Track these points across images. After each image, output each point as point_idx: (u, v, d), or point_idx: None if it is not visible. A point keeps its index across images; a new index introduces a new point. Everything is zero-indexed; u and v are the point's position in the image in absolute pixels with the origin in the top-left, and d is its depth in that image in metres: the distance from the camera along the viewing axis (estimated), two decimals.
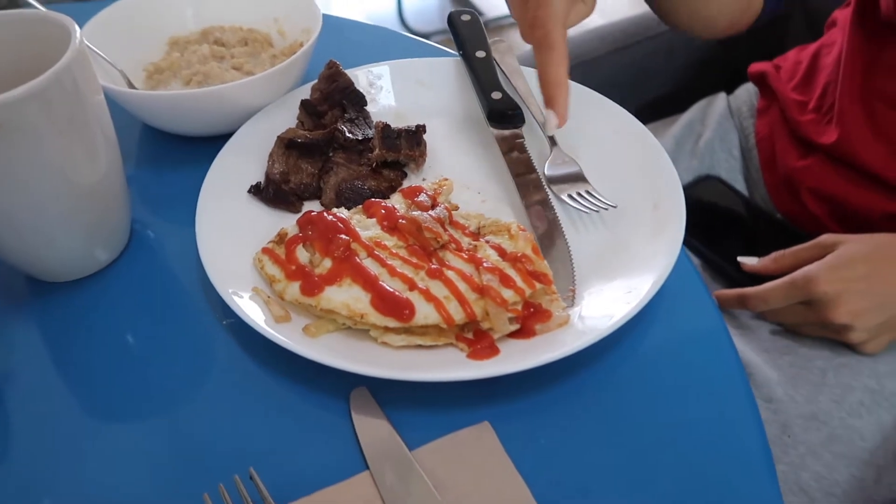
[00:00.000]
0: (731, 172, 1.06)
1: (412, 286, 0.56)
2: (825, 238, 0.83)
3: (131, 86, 0.78)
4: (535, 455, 0.50)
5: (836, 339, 0.80)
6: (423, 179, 0.71)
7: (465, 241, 0.60)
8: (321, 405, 0.54)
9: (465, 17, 0.81)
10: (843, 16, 0.97)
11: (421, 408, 0.53)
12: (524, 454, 0.50)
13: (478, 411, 0.53)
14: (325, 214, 0.61)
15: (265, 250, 0.61)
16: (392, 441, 0.51)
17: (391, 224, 0.61)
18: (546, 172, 0.68)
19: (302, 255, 0.59)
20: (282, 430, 0.53)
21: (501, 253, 0.58)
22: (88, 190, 0.59)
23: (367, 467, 0.50)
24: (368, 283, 0.56)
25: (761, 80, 1.06)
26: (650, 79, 1.27)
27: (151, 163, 0.77)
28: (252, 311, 0.56)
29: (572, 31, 0.66)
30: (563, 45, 0.62)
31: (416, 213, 0.61)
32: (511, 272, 0.56)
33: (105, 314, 0.62)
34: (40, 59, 0.54)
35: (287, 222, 0.64)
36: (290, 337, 0.54)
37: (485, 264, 0.57)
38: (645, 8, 0.93)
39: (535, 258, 0.58)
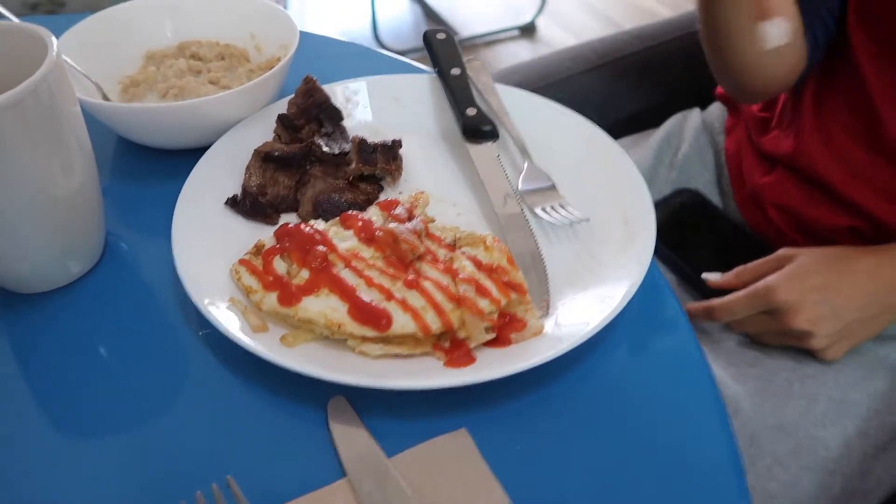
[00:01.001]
0: (708, 185, 1.08)
1: (389, 296, 0.57)
2: (783, 251, 0.86)
3: (106, 99, 0.78)
4: (512, 461, 0.51)
5: (798, 346, 0.83)
6: (400, 193, 0.72)
7: (442, 253, 0.61)
8: (299, 414, 0.54)
9: (441, 36, 0.83)
10: None
11: (399, 416, 0.54)
12: (501, 460, 0.51)
13: (455, 418, 0.54)
14: (303, 226, 0.62)
15: (242, 262, 0.61)
16: (370, 449, 0.51)
17: (368, 236, 0.62)
18: (520, 187, 0.70)
19: (279, 265, 0.60)
20: (260, 439, 0.53)
21: (477, 264, 0.59)
22: (63, 202, 0.59)
23: (346, 475, 0.50)
24: (346, 293, 0.57)
25: (728, 99, 1.10)
26: (623, 96, 1.29)
27: (127, 175, 0.77)
28: (229, 321, 0.56)
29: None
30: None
31: (392, 226, 0.62)
32: (487, 283, 0.57)
33: (78, 326, 0.61)
34: (15, 70, 0.55)
35: (264, 234, 0.64)
36: (267, 346, 0.54)
37: (461, 275, 0.58)
38: (616, 28, 0.94)
39: (510, 269, 0.59)
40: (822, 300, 0.81)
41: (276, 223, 0.68)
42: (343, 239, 0.62)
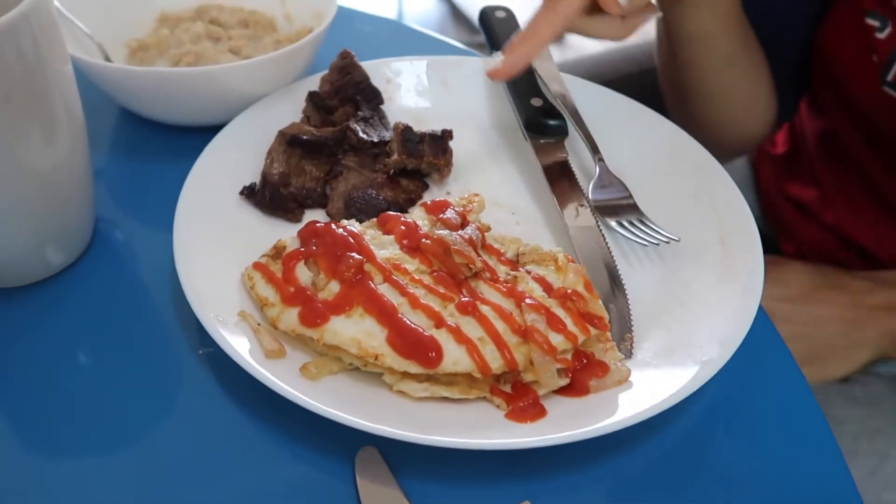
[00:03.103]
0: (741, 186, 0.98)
1: (439, 322, 0.45)
2: (771, 258, 0.75)
3: (108, 61, 0.67)
4: None
5: None
6: (448, 193, 0.60)
7: (502, 271, 0.50)
8: (319, 465, 0.43)
9: (500, 14, 0.72)
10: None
11: (442, 477, 0.43)
12: None
13: (514, 486, 0.42)
14: (334, 227, 0.51)
15: (257, 265, 0.50)
16: None
17: (413, 244, 0.51)
18: (591, 194, 0.58)
19: (303, 274, 0.48)
20: (270, 491, 0.42)
21: (547, 288, 0.48)
22: (42, 176, 0.48)
23: None
24: (386, 314, 0.45)
25: None
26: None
27: (126, 153, 0.66)
28: (237, 341, 0.45)
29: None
30: (569, 19, 0.56)
31: (442, 233, 0.51)
32: (560, 312, 0.46)
33: (55, 330, 0.50)
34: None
35: (285, 233, 0.53)
36: (283, 378, 0.43)
37: (528, 300, 0.46)
38: (643, 34, 0.84)
39: (588, 296, 0.47)
40: (794, 313, 0.71)
41: (299, 220, 0.57)
42: (382, 246, 0.51)
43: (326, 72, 0.66)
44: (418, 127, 0.62)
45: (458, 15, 3.35)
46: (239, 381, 0.45)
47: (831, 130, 0.84)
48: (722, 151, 0.74)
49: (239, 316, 0.47)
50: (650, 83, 1.14)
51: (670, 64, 0.80)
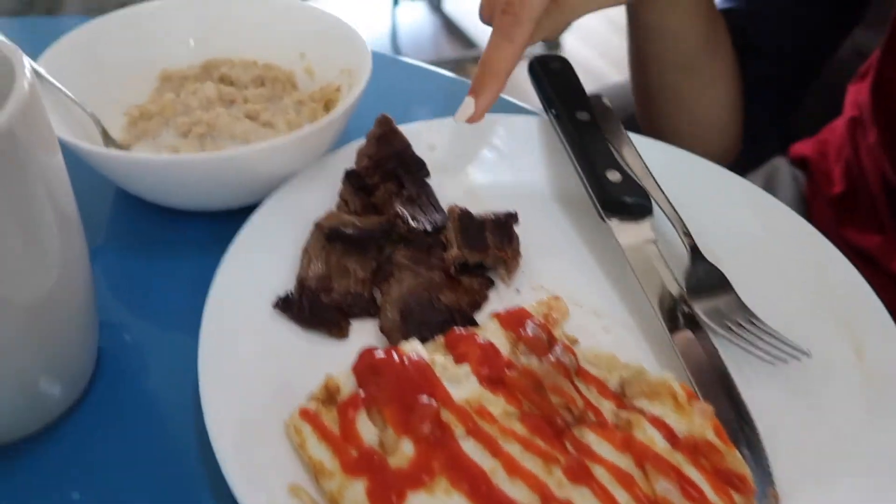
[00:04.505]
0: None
1: (547, 497, 0.36)
2: None
3: (106, 135, 0.57)
4: None
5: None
6: (517, 291, 0.51)
7: (607, 409, 0.41)
8: None
9: (556, 65, 0.62)
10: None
11: None
12: None
13: None
14: (395, 356, 0.41)
15: (305, 414, 0.40)
16: None
17: (494, 375, 0.41)
18: (685, 288, 0.49)
19: (366, 428, 0.39)
20: None
21: (669, 435, 0.39)
22: (26, 314, 0.38)
23: None
24: (479, 489, 0.36)
25: (805, 165, 0.92)
26: None
27: (129, 244, 0.55)
28: None
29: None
30: (524, 44, 0.53)
31: (530, 361, 0.41)
32: (692, 472, 0.37)
33: (54, 492, 0.40)
34: None
35: (330, 351, 0.44)
36: None
37: (651, 459, 0.37)
38: None
39: (722, 447, 0.38)
40: None
41: (346, 335, 0.47)
42: (456, 380, 0.41)
43: (361, 142, 0.57)
44: (471, 204, 0.53)
45: (451, 28, 3.26)
46: None
47: None
48: None
49: (289, 491, 0.37)
50: None
51: (636, 62, 0.76)
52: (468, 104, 0.53)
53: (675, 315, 0.47)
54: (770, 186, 0.94)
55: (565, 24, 0.56)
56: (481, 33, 3.13)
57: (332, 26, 0.63)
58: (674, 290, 0.49)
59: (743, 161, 0.98)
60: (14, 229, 0.35)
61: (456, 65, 2.99)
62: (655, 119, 0.77)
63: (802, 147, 0.93)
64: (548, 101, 0.61)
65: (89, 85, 0.58)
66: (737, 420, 0.42)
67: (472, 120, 0.54)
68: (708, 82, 0.74)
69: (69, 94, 0.56)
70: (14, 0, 1.32)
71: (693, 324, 0.47)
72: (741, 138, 0.80)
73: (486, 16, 0.55)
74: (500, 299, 0.50)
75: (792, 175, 0.95)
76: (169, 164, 0.48)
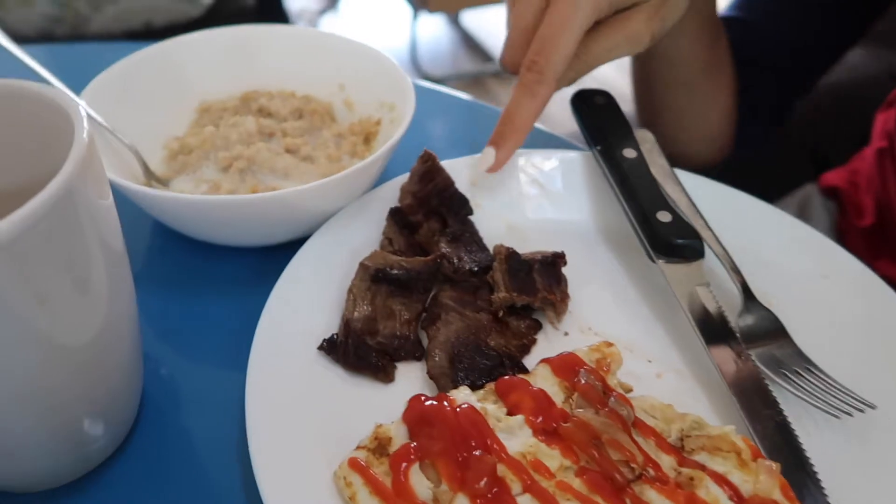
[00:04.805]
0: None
1: None
2: None
3: (147, 170, 0.57)
4: None
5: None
6: (566, 334, 0.50)
7: (667, 463, 0.39)
8: None
9: (600, 100, 0.62)
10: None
11: None
12: None
13: None
14: (446, 405, 0.40)
15: (354, 464, 0.39)
16: None
17: (549, 426, 0.40)
18: (738, 332, 0.48)
19: (419, 483, 0.37)
20: None
21: (735, 494, 0.37)
22: (74, 357, 0.37)
23: None
24: None
25: (835, 194, 0.90)
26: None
27: (168, 278, 0.55)
28: None
29: (589, 83, 0.61)
30: (547, 100, 0.54)
31: (586, 413, 0.40)
32: None
33: None
34: (25, 148, 0.33)
35: (377, 396, 0.43)
36: None
37: None
38: None
39: None
40: None
41: (390, 379, 0.46)
42: (510, 431, 0.40)
43: (405, 178, 0.56)
44: (514, 242, 0.52)
45: (469, 42, 3.27)
46: None
47: None
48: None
49: None
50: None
51: (640, 81, 0.79)
52: (489, 154, 0.55)
53: (732, 362, 0.46)
54: (803, 216, 0.92)
55: (585, 73, 0.57)
56: (499, 47, 3.14)
57: (372, 58, 0.63)
58: (729, 336, 0.47)
59: (772, 188, 0.96)
60: (68, 279, 0.34)
61: (474, 79, 3.00)
62: (653, 128, 0.77)
63: (833, 177, 0.92)
64: (592, 136, 0.60)
65: (128, 117, 0.58)
66: (803, 478, 0.40)
67: (491, 170, 0.55)
68: (710, 99, 0.77)
69: (113, 131, 0.55)
70: (41, 18, 1.33)
71: (750, 370, 0.45)
72: (733, 144, 0.83)
73: (511, 68, 0.57)
74: (549, 342, 0.49)
75: (824, 205, 0.93)
76: (218, 205, 0.48)
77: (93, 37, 1.29)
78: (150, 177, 0.57)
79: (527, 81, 0.54)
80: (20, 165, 0.39)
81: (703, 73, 0.73)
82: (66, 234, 0.32)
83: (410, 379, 0.46)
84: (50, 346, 0.35)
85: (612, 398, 0.42)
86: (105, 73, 0.58)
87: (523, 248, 0.52)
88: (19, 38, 0.56)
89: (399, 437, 0.40)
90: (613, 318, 0.51)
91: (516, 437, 0.40)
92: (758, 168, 0.97)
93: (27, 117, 0.36)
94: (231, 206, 0.48)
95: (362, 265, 0.49)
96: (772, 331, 0.48)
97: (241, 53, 0.66)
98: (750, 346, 0.47)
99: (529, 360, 0.47)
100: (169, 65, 0.63)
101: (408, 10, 2.90)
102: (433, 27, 3.29)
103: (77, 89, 0.55)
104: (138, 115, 0.60)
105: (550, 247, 0.53)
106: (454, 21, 3.29)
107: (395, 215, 0.53)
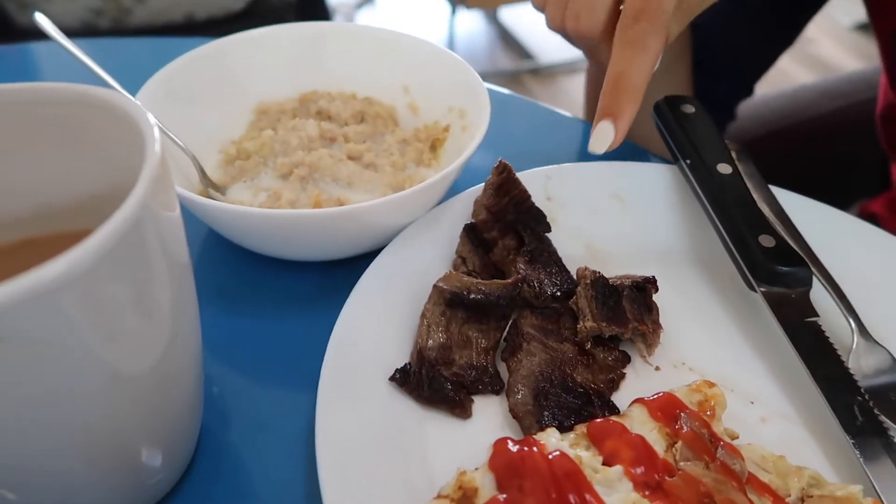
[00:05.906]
0: None
1: None
2: None
3: (204, 177, 0.54)
4: None
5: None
6: (657, 369, 0.45)
7: None
8: None
9: (689, 109, 0.57)
10: None
11: None
12: None
13: None
14: (536, 452, 0.36)
15: None
16: None
17: (652, 480, 0.36)
18: (857, 370, 0.43)
19: None
20: None
21: None
22: (135, 385, 0.34)
23: None
24: None
25: (875, 221, 0.85)
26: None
27: (227, 294, 0.51)
28: None
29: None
30: (660, 54, 0.48)
31: (695, 466, 0.36)
32: None
33: None
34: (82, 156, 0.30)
35: (457, 430, 0.39)
36: None
37: None
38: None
39: None
40: None
41: (469, 415, 0.42)
42: (608, 484, 0.36)
43: (478, 191, 0.52)
44: (595, 264, 0.48)
45: (507, 38, 3.22)
46: None
47: None
48: None
49: None
50: (857, 119, 0.98)
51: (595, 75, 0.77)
52: (605, 130, 0.48)
53: (851, 409, 0.41)
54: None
55: (683, 26, 0.52)
56: (537, 44, 3.07)
57: (440, 59, 0.59)
58: (846, 378, 0.43)
59: None
60: (137, 306, 0.31)
61: (511, 76, 2.94)
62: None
63: (873, 205, 0.87)
64: (679, 148, 0.55)
65: (183, 120, 0.55)
66: None
67: (612, 147, 0.49)
68: (681, 81, 0.75)
69: (173, 137, 0.52)
70: (84, 9, 1.32)
71: (872, 420, 0.41)
72: None
73: (555, 23, 0.53)
74: (638, 378, 0.45)
75: None
76: (287, 219, 0.44)
77: (134, 29, 1.28)
78: (207, 184, 0.54)
79: (635, 35, 0.47)
80: (79, 176, 0.36)
81: (666, 73, 0.68)
82: (136, 256, 0.28)
83: (489, 415, 0.42)
84: (115, 377, 0.32)
85: (720, 449, 0.37)
86: (160, 73, 0.55)
87: (604, 270, 0.48)
88: (62, 31, 0.53)
89: (486, 487, 0.36)
90: (709, 353, 0.46)
91: (616, 491, 0.35)
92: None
93: (91, 125, 0.33)
94: (300, 221, 0.44)
95: (437, 288, 0.45)
96: (890, 372, 0.43)
97: (300, 52, 0.62)
98: (868, 390, 0.42)
99: (619, 398, 0.43)
100: (224, 63, 0.60)
101: (445, 5, 2.85)
102: (471, 23, 3.24)
103: (123, 87, 0.52)
104: (192, 117, 0.56)
105: (633, 270, 0.49)
106: (492, 17, 3.24)
107: (470, 232, 0.49)
